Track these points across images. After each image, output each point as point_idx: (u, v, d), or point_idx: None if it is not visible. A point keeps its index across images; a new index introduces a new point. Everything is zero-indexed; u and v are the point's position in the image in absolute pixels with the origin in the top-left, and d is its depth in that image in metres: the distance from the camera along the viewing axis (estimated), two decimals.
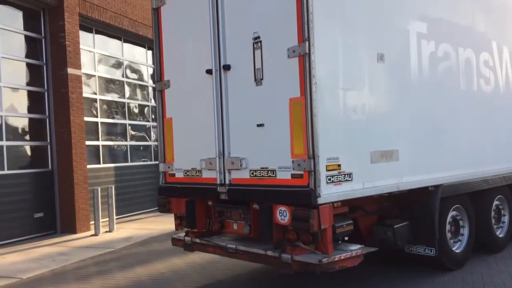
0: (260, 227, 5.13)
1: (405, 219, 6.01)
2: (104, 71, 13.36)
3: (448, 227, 6.42)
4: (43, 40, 11.49)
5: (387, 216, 6.18)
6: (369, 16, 5.27)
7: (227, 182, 5.49)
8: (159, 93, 6.47)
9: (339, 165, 4.80)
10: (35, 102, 11.40)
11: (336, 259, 4.81)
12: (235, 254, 5.52)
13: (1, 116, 10.31)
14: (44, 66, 11.49)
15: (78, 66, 11.59)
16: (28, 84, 11.23)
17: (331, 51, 4.82)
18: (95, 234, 10.81)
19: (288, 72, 4.76)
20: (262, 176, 5.10)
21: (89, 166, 12.01)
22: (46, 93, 11.48)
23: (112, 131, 13.64)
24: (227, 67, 5.44)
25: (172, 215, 6.48)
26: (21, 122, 11.13)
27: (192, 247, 6.10)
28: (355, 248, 5.09)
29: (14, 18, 10.97)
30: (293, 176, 4.79)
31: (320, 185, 4.59)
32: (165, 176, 6.41)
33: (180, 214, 6.23)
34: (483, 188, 6.92)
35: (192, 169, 5.98)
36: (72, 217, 11.23)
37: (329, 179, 4.69)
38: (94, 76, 12.90)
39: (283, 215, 4.89)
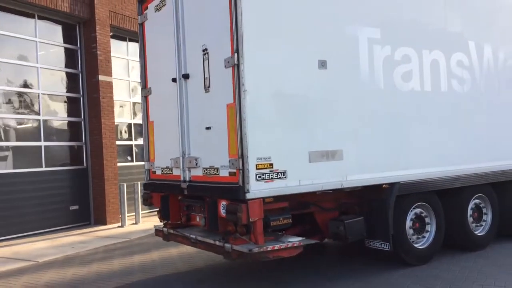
0: (208, 219, 5.74)
1: (360, 215, 6.36)
2: (136, 77, 14.50)
3: (410, 223, 6.64)
4: (78, 50, 12.78)
5: (348, 212, 6.56)
6: (308, 25, 5.67)
7: (187, 179, 6.16)
8: (144, 99, 7.25)
9: (271, 164, 5.28)
10: (72, 106, 12.72)
11: (269, 249, 5.30)
12: (196, 244, 6.16)
13: (40, 120, 11.65)
14: (80, 74, 12.77)
15: (109, 73, 12.76)
16: (67, 90, 12.56)
17: (263, 61, 5.29)
18: (121, 226, 11.91)
19: (225, 80, 5.32)
20: (210, 174, 5.70)
21: (121, 164, 13.20)
22: (81, 99, 12.76)
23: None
24: (186, 76, 6.10)
25: None
26: (60, 125, 12.48)
27: (168, 237, 6.82)
28: (293, 240, 5.55)
29: (54, 32, 12.31)
30: (230, 174, 5.35)
31: (249, 182, 5.11)
32: (149, 173, 7.18)
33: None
34: (454, 186, 7.02)
35: (166, 167, 6.70)
36: (103, 210, 12.43)
37: (260, 177, 5.19)
38: (127, 81, 14.08)
39: (224, 209, 5.47)
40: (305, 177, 5.56)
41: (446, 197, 7.07)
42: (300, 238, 5.68)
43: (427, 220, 6.84)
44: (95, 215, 12.65)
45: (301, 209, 6.21)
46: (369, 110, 6.20)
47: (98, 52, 12.49)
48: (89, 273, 7.32)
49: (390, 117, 6.41)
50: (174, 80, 6.31)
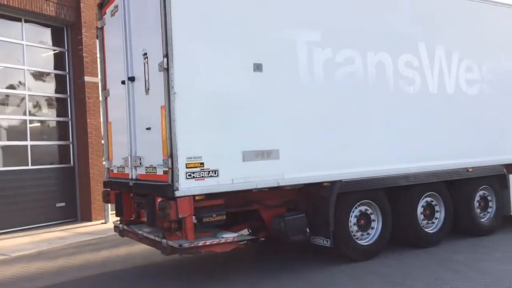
0: (147, 215, 6.03)
1: (303, 212, 6.56)
2: None
3: (354, 220, 6.81)
4: (66, 52, 13.19)
5: (294, 209, 6.77)
6: (243, 30, 5.89)
7: (133, 177, 6.45)
8: (104, 100, 7.57)
9: (202, 163, 5.53)
10: (60, 107, 13.15)
11: (200, 244, 5.55)
12: (142, 240, 6.45)
13: (26, 120, 12.09)
14: (67, 75, 13.18)
15: (95, 74, 13.10)
16: (55, 91, 12.99)
17: (194, 64, 5.54)
18: (105, 223, 12.28)
19: (159, 83, 5.57)
20: (150, 172, 5.98)
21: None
22: (68, 99, 13.17)
23: None
24: (132, 79, 6.39)
25: None
26: (48, 125, 12.91)
27: (123, 233, 7.12)
28: (227, 236, 5.80)
29: (42, 35, 12.74)
30: (164, 172, 5.62)
31: (179, 180, 5.37)
32: (108, 172, 7.50)
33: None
34: (400, 184, 7.16)
35: (120, 166, 7.01)
36: (88, 207, 12.83)
37: (190, 175, 5.45)
38: None
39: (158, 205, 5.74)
40: (238, 176, 5.79)
41: (395, 195, 7.22)
42: (234, 234, 5.92)
43: (372, 217, 7.00)
44: (81, 212, 13.06)
45: (243, 207, 6.45)
46: (308, 111, 6.38)
47: (84, 54, 12.86)
48: (51, 267, 7.66)
49: (330, 118, 6.57)
50: (123, 82, 6.60)
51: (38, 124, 12.67)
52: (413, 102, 7.40)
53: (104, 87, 7.52)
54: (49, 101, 13.00)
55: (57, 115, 13.09)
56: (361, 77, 6.87)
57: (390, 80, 7.15)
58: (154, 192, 5.87)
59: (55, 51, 13.04)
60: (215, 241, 5.67)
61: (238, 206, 6.40)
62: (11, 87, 12.09)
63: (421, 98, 7.48)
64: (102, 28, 7.52)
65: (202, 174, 5.54)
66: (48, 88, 12.91)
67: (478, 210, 8.19)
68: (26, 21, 12.19)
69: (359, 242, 6.87)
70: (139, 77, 6.22)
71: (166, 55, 5.38)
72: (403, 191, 7.31)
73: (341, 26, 6.76)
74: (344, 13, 6.81)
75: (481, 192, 8.27)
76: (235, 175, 5.77)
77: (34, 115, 12.42)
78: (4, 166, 11.67)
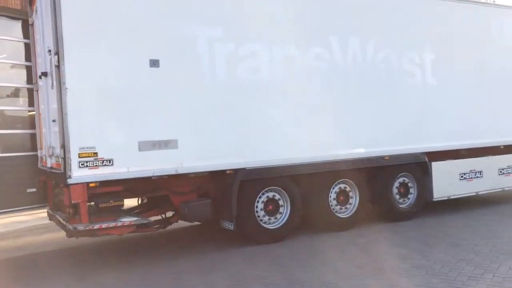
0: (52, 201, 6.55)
1: (208, 198, 7.00)
2: None
3: (261, 205, 7.21)
4: None
5: (205, 195, 7.20)
6: (139, 26, 6.26)
7: (49, 166, 6.95)
8: (36, 93, 8.06)
9: (95, 153, 5.98)
10: (31, 98, 13.71)
11: (96, 227, 6.02)
12: (58, 223, 6.96)
13: None
14: None
15: None
16: (26, 82, 13.56)
17: (86, 60, 5.95)
18: None
19: (56, 78, 6.01)
20: (57, 162, 6.45)
21: None
22: None
23: None
24: (44, 74, 6.83)
25: None
26: (18, 115, 13.53)
27: (50, 217, 7.65)
28: (124, 220, 6.27)
29: (12, 27, 13.27)
30: (60, 161, 6.09)
31: (71, 169, 5.84)
32: (40, 160, 8.02)
33: None
34: (308, 172, 7.51)
35: (44, 155, 7.51)
36: None
37: (83, 164, 5.90)
38: None
39: None
40: (134, 165, 6.23)
41: (303, 182, 7.57)
42: (133, 218, 6.40)
43: (280, 203, 7.38)
44: None
45: (150, 193, 6.92)
46: (208, 103, 6.75)
47: None
48: None
49: (232, 109, 6.92)
50: (40, 77, 7.07)
51: (10, 114, 13.27)
52: (319, 92, 7.64)
53: (36, 81, 8.00)
54: (20, 92, 13.57)
55: (29, 106, 13.66)
56: (264, 71, 7.18)
57: (295, 72, 7.44)
58: (57, 180, 6.35)
59: (26, 44, 13.54)
60: (111, 224, 6.13)
61: (146, 192, 6.87)
62: None
63: (329, 87, 7.73)
64: (32, 25, 7.97)
65: (96, 163, 5.99)
66: (19, 80, 13.47)
67: (397, 196, 8.50)
68: None
69: (266, 226, 7.27)
70: (49, 72, 6.67)
71: (57, 53, 5.81)
72: (316, 178, 7.67)
73: (245, 19, 7.06)
74: (246, 5, 7.09)
75: (400, 179, 8.56)
76: (131, 164, 6.21)
77: (2, 105, 13.01)
78: None
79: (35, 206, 13.26)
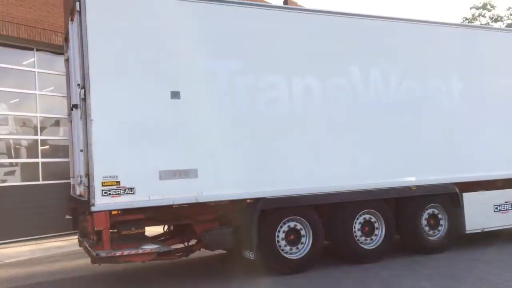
0: (78, 228, 6.78)
1: (230, 227, 7.06)
2: None
3: (282, 235, 7.17)
4: None
5: (227, 223, 7.27)
6: (162, 61, 6.54)
7: (77, 193, 7.24)
8: (69, 124, 8.46)
9: (117, 182, 6.20)
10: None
11: (117, 254, 6.18)
12: (85, 250, 7.19)
13: (38, 140, 13.38)
14: None
15: None
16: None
17: (112, 94, 6.25)
18: None
19: (83, 110, 6.33)
20: (84, 190, 6.71)
21: None
22: None
23: None
24: (75, 106, 7.18)
25: None
26: (58, 143, 14.19)
27: (80, 244, 7.91)
28: (146, 247, 6.41)
29: (53, 62, 14.08)
30: (84, 190, 6.34)
31: (95, 197, 6.06)
32: (72, 188, 8.36)
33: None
34: (329, 202, 7.44)
35: (74, 183, 7.84)
36: None
37: (105, 192, 6.12)
38: None
39: None
40: (155, 193, 6.40)
41: (328, 212, 7.51)
42: (155, 246, 6.52)
43: (302, 232, 7.33)
44: None
45: (173, 221, 7.07)
46: (228, 133, 6.90)
47: None
48: (23, 272, 8.59)
49: (251, 139, 7.02)
50: (71, 108, 7.46)
51: (49, 143, 13.94)
52: (342, 121, 7.66)
53: (70, 113, 8.41)
54: (60, 123, 14.27)
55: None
56: (284, 102, 7.27)
57: (315, 102, 7.50)
58: (83, 207, 6.60)
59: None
60: (133, 251, 6.28)
61: (168, 221, 7.01)
62: (26, 110, 13.46)
63: (351, 116, 7.73)
64: (67, 60, 8.45)
65: (118, 191, 6.20)
66: (62, 111, 14.18)
67: (426, 228, 8.25)
68: (37, 50, 13.55)
69: (287, 256, 7.21)
70: (78, 105, 7.02)
71: (84, 87, 6.14)
72: (339, 208, 7.59)
73: (266, 53, 7.23)
74: (269, 41, 7.27)
75: (430, 210, 8.32)
76: (152, 192, 6.38)
77: (44, 134, 13.71)
78: (22, 181, 12.99)
79: (71, 232, 13.73)
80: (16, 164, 13.10)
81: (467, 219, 8.43)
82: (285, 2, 20.94)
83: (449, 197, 8.42)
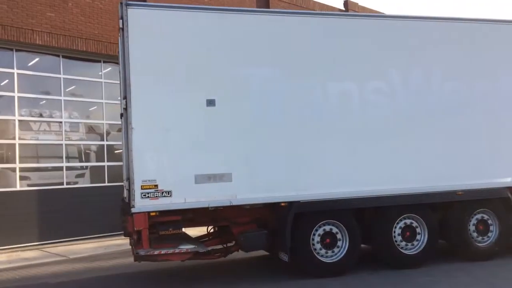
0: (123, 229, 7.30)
1: (264, 229, 7.25)
2: None
3: (317, 238, 7.24)
4: None
5: (264, 226, 7.48)
6: (198, 71, 6.86)
7: (125, 196, 7.74)
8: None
9: (156, 185, 6.61)
10: None
11: (155, 253, 6.59)
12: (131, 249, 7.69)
13: (104, 145, 14.38)
14: None
15: None
16: None
17: (150, 103, 6.68)
18: None
19: (125, 118, 6.82)
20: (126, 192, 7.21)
21: None
22: None
23: None
24: (121, 115, 7.70)
25: None
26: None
27: (130, 243, 8.45)
28: (182, 247, 6.77)
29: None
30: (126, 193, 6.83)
31: (135, 199, 6.52)
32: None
33: None
34: (368, 206, 7.39)
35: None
36: None
37: (144, 195, 6.56)
38: None
39: None
40: (190, 196, 6.74)
41: (367, 216, 7.47)
42: (191, 246, 6.87)
43: (338, 236, 7.34)
44: None
45: (209, 223, 7.39)
46: (262, 138, 7.08)
47: None
48: (82, 267, 9.30)
49: (285, 143, 7.15)
50: (121, 116, 8.01)
51: (114, 148, 14.91)
52: (382, 125, 7.58)
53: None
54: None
55: None
56: (317, 106, 7.33)
57: (354, 106, 7.49)
58: (125, 209, 7.10)
59: None
60: (170, 250, 6.66)
61: (205, 223, 7.34)
62: (94, 117, 14.53)
63: (390, 120, 7.64)
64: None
65: (156, 194, 6.61)
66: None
67: (474, 234, 7.92)
68: (104, 62, 14.56)
69: (322, 259, 7.26)
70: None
71: (125, 98, 6.62)
72: (378, 212, 7.52)
73: (300, 59, 7.34)
74: (302, 47, 7.38)
75: (479, 216, 7.98)
76: (188, 195, 6.73)
77: (110, 140, 14.70)
78: (91, 182, 14.08)
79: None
80: (86, 167, 14.15)
81: None
82: (346, 3, 20.82)
83: (500, 201, 8.02)
